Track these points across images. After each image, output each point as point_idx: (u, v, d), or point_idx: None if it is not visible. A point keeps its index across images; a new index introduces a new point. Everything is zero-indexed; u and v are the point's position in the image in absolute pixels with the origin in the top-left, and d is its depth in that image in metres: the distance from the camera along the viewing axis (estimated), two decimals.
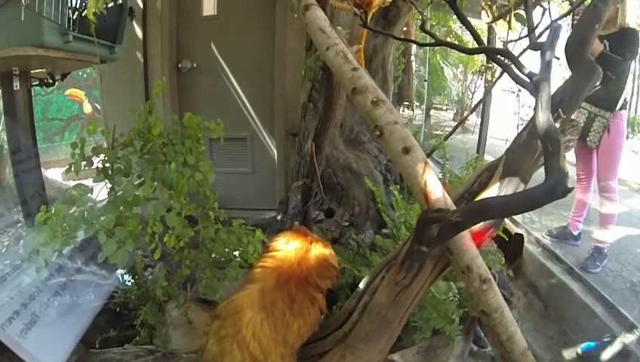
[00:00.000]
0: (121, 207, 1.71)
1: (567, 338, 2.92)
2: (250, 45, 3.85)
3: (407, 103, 5.97)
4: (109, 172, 1.85)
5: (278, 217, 3.11)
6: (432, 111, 9.21)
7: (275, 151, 3.89)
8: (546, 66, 1.01)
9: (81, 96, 5.99)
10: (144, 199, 1.73)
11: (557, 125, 0.96)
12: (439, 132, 6.12)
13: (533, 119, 1.01)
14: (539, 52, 1.12)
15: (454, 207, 0.92)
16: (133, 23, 3.66)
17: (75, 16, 2.24)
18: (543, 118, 0.91)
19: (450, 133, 4.36)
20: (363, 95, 0.97)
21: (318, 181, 2.28)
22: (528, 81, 1.06)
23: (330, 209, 2.70)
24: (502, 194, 1.12)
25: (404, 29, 4.04)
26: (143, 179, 1.79)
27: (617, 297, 3.01)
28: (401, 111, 5.47)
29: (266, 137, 3.93)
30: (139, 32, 3.81)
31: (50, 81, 2.66)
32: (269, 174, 3.94)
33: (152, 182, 1.76)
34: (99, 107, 5.77)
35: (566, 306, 3.15)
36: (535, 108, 0.95)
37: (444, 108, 12.33)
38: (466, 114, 5.12)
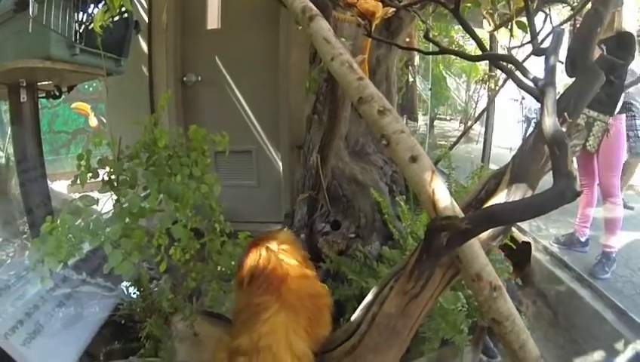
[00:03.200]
0: (127, 219, 1.71)
1: (578, 346, 2.88)
2: (254, 58, 3.87)
3: (411, 114, 5.98)
4: (115, 184, 1.85)
5: (285, 230, 3.10)
6: (435, 122, 9.21)
7: (281, 164, 3.91)
8: (551, 71, 1.02)
9: (87, 110, 6.03)
10: (150, 211, 1.73)
11: (563, 129, 0.95)
12: (444, 142, 6.11)
13: (539, 124, 1.00)
14: (542, 57, 1.12)
15: (463, 215, 0.91)
16: (139, 36, 3.70)
17: (81, 29, 2.27)
18: (550, 122, 0.91)
19: (455, 143, 4.36)
20: (369, 104, 0.97)
21: (324, 193, 2.28)
22: (533, 86, 1.06)
23: (336, 221, 2.68)
24: (510, 200, 1.11)
25: (407, 39, 4.06)
26: (148, 191, 1.79)
27: (628, 303, 2.98)
28: (405, 121, 5.46)
29: (271, 150, 3.94)
30: (144, 45, 3.84)
31: (57, 94, 2.70)
32: (274, 187, 3.95)
33: (158, 194, 1.76)
34: (105, 120, 5.81)
35: (576, 314, 3.12)
36: (541, 113, 0.95)
37: (448, 118, 12.36)
38: (469, 123, 5.11)
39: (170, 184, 1.76)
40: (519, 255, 3.28)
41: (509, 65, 1.27)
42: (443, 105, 10.79)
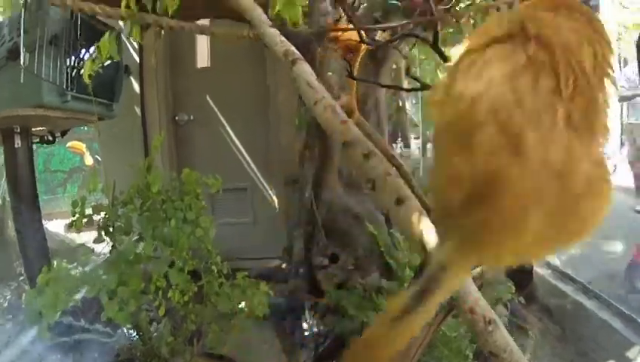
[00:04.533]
0: (123, 266, 1.71)
1: (587, 359, 2.84)
2: (244, 95, 3.91)
3: (404, 140, 6.01)
4: (110, 230, 1.86)
5: (283, 265, 3.09)
6: (429, 145, 9.20)
7: (276, 200, 3.90)
8: None
9: (83, 149, 6.06)
10: (145, 258, 1.73)
11: None
12: None
13: None
14: None
15: None
16: (131, 77, 3.74)
17: (73, 74, 2.31)
18: None
19: None
20: (353, 148, 0.98)
21: (320, 228, 2.28)
22: None
23: (334, 254, 2.68)
24: None
25: (395, 66, 4.12)
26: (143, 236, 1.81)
27: (635, 309, 2.92)
28: (398, 148, 5.48)
29: (265, 186, 3.95)
30: (136, 86, 3.88)
31: (51, 139, 2.73)
32: (270, 223, 3.93)
33: (153, 240, 1.76)
34: (100, 159, 5.83)
35: (583, 326, 3.06)
36: None
37: None
38: None
39: (164, 230, 1.77)
40: (521, 272, 3.26)
41: None
42: None
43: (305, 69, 1.15)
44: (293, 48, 1.23)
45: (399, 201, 0.91)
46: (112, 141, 3.82)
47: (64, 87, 2.25)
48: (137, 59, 3.84)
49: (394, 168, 0.96)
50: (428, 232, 0.90)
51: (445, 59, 1.39)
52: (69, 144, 6.15)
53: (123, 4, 1.74)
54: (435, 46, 1.38)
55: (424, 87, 1.66)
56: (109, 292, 1.61)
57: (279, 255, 3.34)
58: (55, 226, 5.44)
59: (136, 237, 1.88)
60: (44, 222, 2.60)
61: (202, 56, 4.00)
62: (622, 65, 6.09)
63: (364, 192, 2.90)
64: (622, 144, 7.98)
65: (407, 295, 0.69)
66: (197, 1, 1.79)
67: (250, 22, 1.73)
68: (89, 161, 6.37)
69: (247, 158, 3.92)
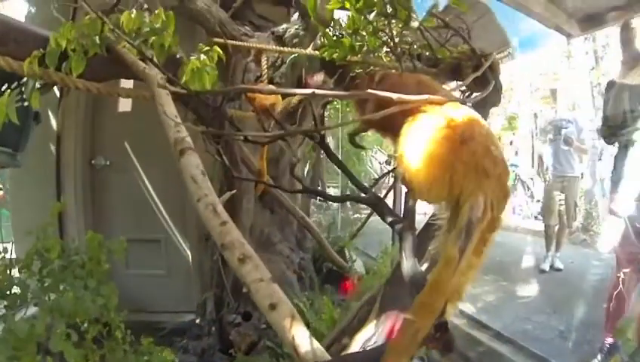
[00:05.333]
0: (15, 343, 1.63)
1: None
2: (164, 144, 3.84)
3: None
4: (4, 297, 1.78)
5: (197, 320, 3.03)
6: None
7: (190, 254, 3.81)
8: (410, 215, 1.10)
9: None
10: (41, 332, 1.66)
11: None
12: (357, 215, 6.20)
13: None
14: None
15: (326, 357, 0.97)
16: (49, 111, 3.59)
17: None
18: (408, 265, 0.99)
19: (360, 228, 4.47)
20: (230, 251, 1.02)
21: (228, 290, 2.29)
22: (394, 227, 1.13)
23: (246, 312, 2.67)
24: (377, 332, 1.18)
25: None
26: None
27: (548, 348, 3.13)
28: (317, 201, 5.51)
29: (179, 239, 3.87)
30: (53, 122, 3.73)
31: None
32: (184, 276, 3.81)
33: (50, 312, 1.69)
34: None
35: None
36: (400, 256, 1.03)
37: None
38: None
39: (61, 301, 1.71)
40: (436, 324, 3.37)
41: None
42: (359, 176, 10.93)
43: (191, 162, 1.19)
44: (183, 137, 1.26)
45: (272, 307, 0.96)
46: (22, 176, 3.58)
47: None
48: (58, 93, 3.69)
49: (269, 274, 1.01)
50: (299, 336, 0.95)
51: (333, 158, 1.44)
52: None
53: (26, 63, 1.70)
54: (322, 143, 1.43)
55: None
56: None
57: (193, 308, 3.27)
58: None
59: (32, 306, 1.80)
60: None
61: (124, 100, 3.92)
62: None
63: (275, 251, 2.94)
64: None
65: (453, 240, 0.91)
66: (100, 60, 1.77)
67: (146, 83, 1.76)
68: None
69: (162, 210, 3.84)
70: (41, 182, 3.67)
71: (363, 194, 1.26)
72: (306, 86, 3.11)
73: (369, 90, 1.11)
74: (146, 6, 2.11)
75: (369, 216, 4.31)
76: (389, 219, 1.14)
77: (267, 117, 2.42)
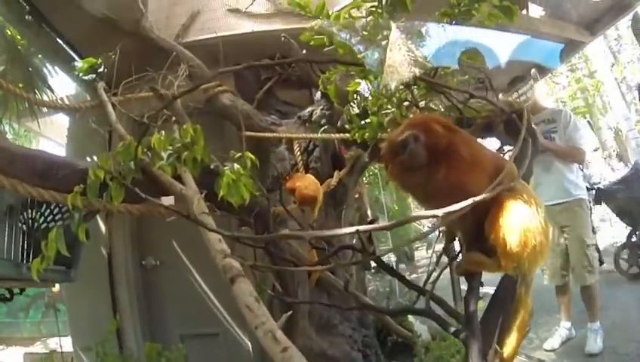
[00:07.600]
0: None
1: None
2: None
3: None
4: None
5: None
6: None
7: (250, 345, 3.74)
8: (471, 320, 1.04)
9: None
10: None
11: None
12: (415, 275, 5.83)
13: None
14: None
15: None
16: (98, 217, 3.70)
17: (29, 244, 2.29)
18: None
19: (416, 300, 4.21)
20: None
21: None
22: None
23: None
24: None
25: (357, 195, 4.20)
26: None
27: None
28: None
29: (239, 332, 3.82)
30: (102, 226, 3.83)
31: (9, 296, 2.73)
32: None
33: None
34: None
35: None
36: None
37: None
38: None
39: None
40: None
41: None
42: None
43: (244, 290, 1.16)
44: (232, 263, 1.24)
45: None
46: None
47: (19, 260, 2.22)
48: None
49: None
50: None
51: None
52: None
53: (69, 198, 1.77)
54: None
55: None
56: None
57: None
58: (12, 354, 5.05)
59: None
60: None
61: (169, 198, 4.01)
62: None
63: (337, 333, 2.84)
64: None
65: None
66: (137, 184, 1.81)
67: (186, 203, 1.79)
68: (55, 287, 6.14)
69: (217, 304, 3.82)
70: (94, 281, 3.76)
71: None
72: (341, 157, 3.11)
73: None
74: (174, 118, 2.20)
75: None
76: (452, 330, 1.09)
77: (311, 207, 2.41)
